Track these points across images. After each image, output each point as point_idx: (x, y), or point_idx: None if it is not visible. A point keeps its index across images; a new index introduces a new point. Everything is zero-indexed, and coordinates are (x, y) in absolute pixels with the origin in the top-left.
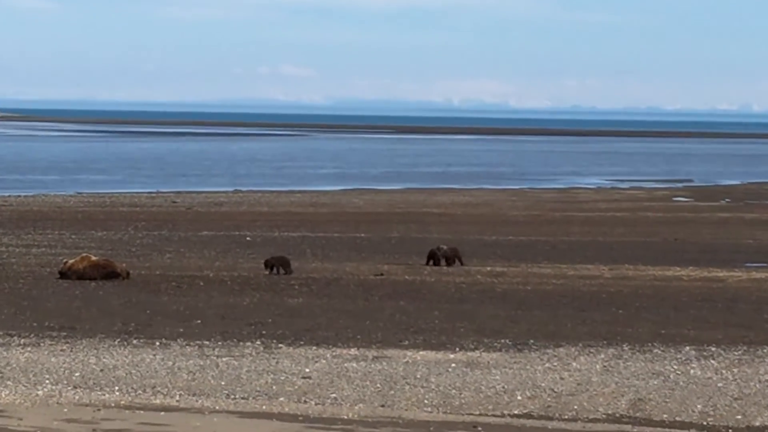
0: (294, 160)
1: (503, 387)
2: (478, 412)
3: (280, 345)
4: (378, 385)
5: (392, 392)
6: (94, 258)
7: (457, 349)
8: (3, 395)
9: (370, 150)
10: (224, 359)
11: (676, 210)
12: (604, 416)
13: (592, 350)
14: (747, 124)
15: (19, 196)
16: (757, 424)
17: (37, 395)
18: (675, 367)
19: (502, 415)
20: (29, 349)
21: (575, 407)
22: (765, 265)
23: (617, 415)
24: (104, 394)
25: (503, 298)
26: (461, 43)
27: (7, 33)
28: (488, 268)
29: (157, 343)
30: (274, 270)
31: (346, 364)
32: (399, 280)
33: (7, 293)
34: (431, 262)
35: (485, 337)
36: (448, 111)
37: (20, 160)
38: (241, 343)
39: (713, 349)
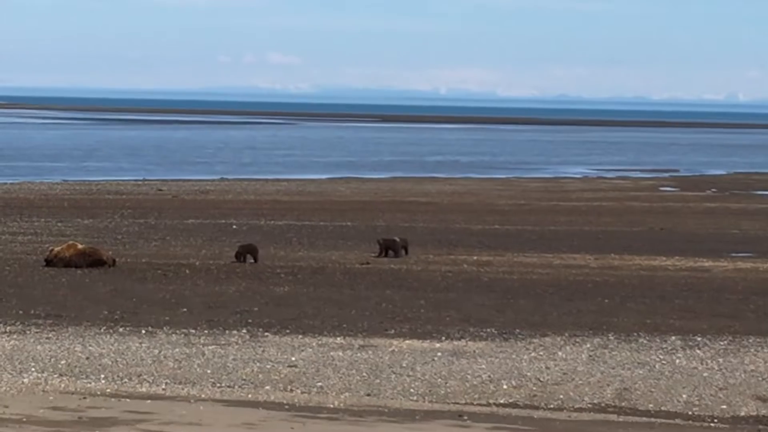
0: (292, 149)
1: (489, 376)
2: (463, 401)
3: (266, 333)
4: (364, 373)
5: (378, 381)
6: (80, 246)
7: (443, 338)
8: None
9: (357, 138)
10: (210, 347)
11: (662, 200)
12: (589, 406)
13: (577, 340)
14: (733, 114)
15: (5, 183)
16: (742, 414)
17: (23, 383)
18: (660, 356)
19: (488, 404)
20: (15, 336)
21: (561, 396)
22: (750, 254)
23: (603, 404)
24: (90, 382)
25: (489, 288)
26: (448, 31)
27: None
28: (474, 257)
29: (143, 331)
30: (242, 259)
31: (332, 353)
32: (385, 268)
33: None
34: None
35: (471, 327)
36: (435, 100)
37: (23, 148)
38: (227, 332)
39: (699, 338)
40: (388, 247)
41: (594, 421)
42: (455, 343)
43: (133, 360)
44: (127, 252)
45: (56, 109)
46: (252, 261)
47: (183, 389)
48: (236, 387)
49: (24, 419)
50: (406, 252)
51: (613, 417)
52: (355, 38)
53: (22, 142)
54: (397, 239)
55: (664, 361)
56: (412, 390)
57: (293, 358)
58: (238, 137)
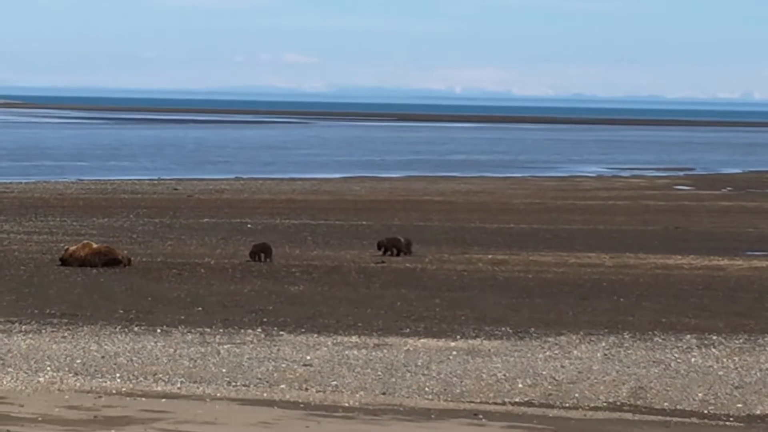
0: (307, 148)
1: (504, 375)
2: (479, 400)
3: (282, 332)
4: (379, 372)
5: (393, 380)
6: (95, 245)
7: (458, 336)
8: (4, 382)
9: (373, 138)
10: (225, 346)
11: (678, 198)
12: (605, 404)
13: (593, 338)
14: (748, 112)
15: (21, 183)
16: (758, 412)
17: (39, 382)
18: (676, 355)
19: (503, 403)
20: (31, 335)
21: (576, 395)
22: (766, 253)
23: (618, 403)
24: (105, 381)
25: (504, 286)
26: (463, 30)
27: (8, 20)
28: (489, 256)
29: (159, 330)
30: (257, 258)
31: (347, 352)
32: (400, 267)
33: (9, 280)
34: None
35: (486, 325)
36: (449, 99)
37: (42, 148)
38: (243, 331)
39: (714, 337)
40: (395, 246)
41: (609, 420)
42: (470, 341)
43: (149, 359)
44: (143, 251)
45: (71, 108)
46: (267, 260)
47: (198, 388)
48: (251, 386)
49: (39, 418)
50: (410, 251)
51: (629, 416)
52: (370, 38)
53: (39, 141)
54: (401, 238)
55: (679, 360)
56: (427, 389)
57: (308, 357)
58: (253, 136)
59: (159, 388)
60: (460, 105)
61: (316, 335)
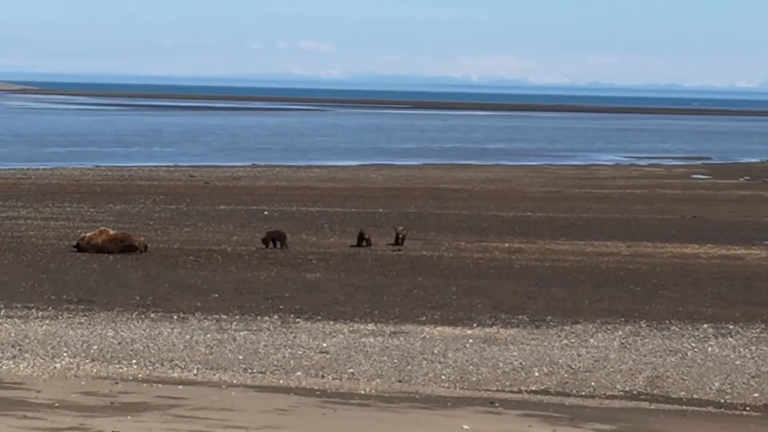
0: (324, 136)
1: (520, 363)
2: (495, 388)
3: (298, 319)
4: (395, 360)
5: (409, 367)
6: (112, 231)
7: (475, 325)
8: (21, 368)
9: (390, 125)
10: (242, 333)
11: (695, 187)
12: (621, 393)
13: (609, 327)
14: (766, 101)
15: (38, 168)
16: None
17: (55, 368)
18: (692, 344)
19: (519, 391)
20: (47, 321)
21: (592, 384)
22: None
23: (634, 392)
24: (122, 368)
25: (521, 275)
26: (480, 18)
27: (26, 6)
28: (506, 245)
29: (175, 317)
30: (272, 245)
31: (363, 339)
32: (417, 255)
33: (26, 266)
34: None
35: (503, 313)
36: (466, 87)
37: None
38: (259, 318)
39: (731, 326)
40: (368, 237)
41: (626, 409)
42: (487, 330)
43: (165, 345)
44: (159, 238)
45: (89, 95)
46: (280, 247)
47: (215, 375)
48: (268, 373)
49: (56, 404)
50: (402, 242)
51: (645, 404)
52: (388, 25)
53: (71, 128)
54: (365, 230)
55: (696, 349)
56: (443, 377)
57: (325, 344)
58: (271, 124)
59: (175, 375)
60: (477, 93)
61: (332, 322)
